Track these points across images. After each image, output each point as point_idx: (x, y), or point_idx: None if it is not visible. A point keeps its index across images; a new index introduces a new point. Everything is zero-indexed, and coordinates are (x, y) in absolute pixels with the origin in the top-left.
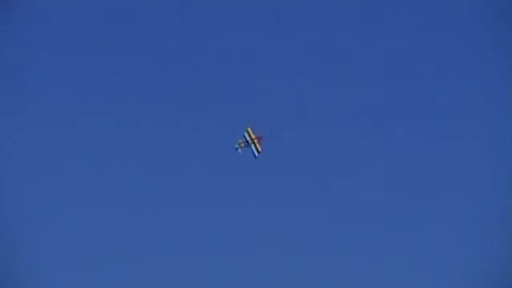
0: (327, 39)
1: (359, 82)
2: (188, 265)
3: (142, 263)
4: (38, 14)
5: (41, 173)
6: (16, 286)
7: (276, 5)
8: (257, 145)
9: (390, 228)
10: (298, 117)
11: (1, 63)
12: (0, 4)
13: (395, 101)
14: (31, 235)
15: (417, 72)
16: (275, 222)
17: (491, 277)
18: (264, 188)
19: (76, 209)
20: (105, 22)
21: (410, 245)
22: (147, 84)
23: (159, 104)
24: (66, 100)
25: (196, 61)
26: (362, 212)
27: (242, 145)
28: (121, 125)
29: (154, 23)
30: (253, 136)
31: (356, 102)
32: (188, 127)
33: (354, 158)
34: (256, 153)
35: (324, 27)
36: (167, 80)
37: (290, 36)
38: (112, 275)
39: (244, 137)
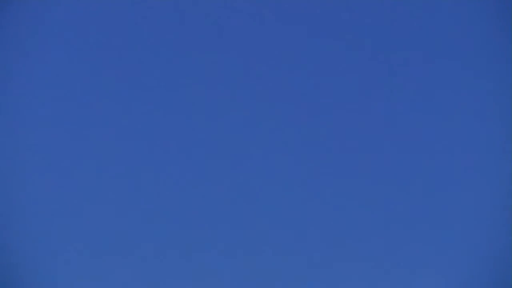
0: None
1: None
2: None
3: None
4: (37, 14)
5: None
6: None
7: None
8: None
9: (389, 226)
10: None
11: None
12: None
13: (395, 101)
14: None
15: (417, 74)
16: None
17: (491, 277)
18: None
19: (79, 206)
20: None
21: (409, 244)
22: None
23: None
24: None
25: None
26: (360, 206)
27: None
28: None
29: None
30: None
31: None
32: (192, 128)
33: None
34: None
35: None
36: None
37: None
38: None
39: None
